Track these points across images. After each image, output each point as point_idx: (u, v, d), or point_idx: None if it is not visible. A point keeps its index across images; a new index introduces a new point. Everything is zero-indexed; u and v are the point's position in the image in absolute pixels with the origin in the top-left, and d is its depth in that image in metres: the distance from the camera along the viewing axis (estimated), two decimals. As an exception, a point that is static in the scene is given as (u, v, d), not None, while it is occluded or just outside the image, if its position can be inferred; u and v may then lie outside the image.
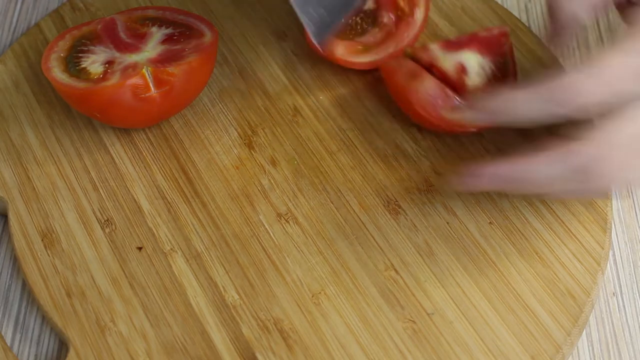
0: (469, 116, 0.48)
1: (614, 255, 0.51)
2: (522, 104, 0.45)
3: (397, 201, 0.51)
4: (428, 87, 0.50)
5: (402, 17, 0.56)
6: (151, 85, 0.50)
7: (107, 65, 0.52)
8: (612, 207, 0.51)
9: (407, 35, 0.56)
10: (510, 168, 0.45)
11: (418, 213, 0.51)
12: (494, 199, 0.51)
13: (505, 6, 0.62)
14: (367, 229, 0.50)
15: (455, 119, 0.49)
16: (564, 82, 0.43)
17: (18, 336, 0.48)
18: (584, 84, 0.43)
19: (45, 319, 0.49)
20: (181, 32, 0.54)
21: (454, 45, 0.52)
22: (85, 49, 0.53)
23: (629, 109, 0.43)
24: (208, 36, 0.53)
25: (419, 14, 0.56)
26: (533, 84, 0.44)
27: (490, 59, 0.52)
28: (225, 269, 0.49)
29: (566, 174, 0.44)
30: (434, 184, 0.52)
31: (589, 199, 0.51)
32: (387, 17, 0.56)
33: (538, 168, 0.44)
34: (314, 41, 0.50)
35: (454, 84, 0.51)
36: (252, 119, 0.55)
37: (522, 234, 0.50)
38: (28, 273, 0.49)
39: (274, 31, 0.59)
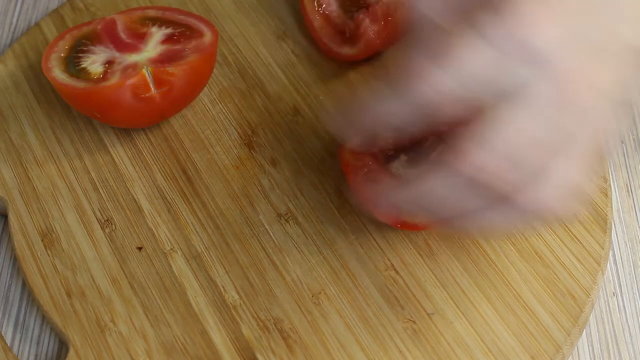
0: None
1: (614, 255, 0.51)
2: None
3: (397, 201, 0.51)
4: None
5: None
6: (151, 85, 0.50)
7: (107, 65, 0.52)
8: (612, 207, 0.51)
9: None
10: (400, 192, 0.41)
11: (418, 213, 0.51)
12: (494, 199, 0.51)
13: (505, 6, 0.62)
14: (367, 229, 0.50)
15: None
16: (410, 71, 0.37)
17: (18, 336, 0.48)
18: (432, 73, 0.36)
19: (45, 319, 0.49)
20: (181, 32, 0.54)
21: None
22: (85, 49, 0.53)
23: (499, 110, 0.36)
24: (208, 36, 0.53)
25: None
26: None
27: None
28: (225, 269, 0.49)
29: (460, 189, 0.37)
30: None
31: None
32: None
33: (428, 185, 0.39)
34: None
35: None
36: (252, 119, 0.55)
37: (522, 234, 0.50)
38: (28, 273, 0.49)
39: (274, 31, 0.59)
